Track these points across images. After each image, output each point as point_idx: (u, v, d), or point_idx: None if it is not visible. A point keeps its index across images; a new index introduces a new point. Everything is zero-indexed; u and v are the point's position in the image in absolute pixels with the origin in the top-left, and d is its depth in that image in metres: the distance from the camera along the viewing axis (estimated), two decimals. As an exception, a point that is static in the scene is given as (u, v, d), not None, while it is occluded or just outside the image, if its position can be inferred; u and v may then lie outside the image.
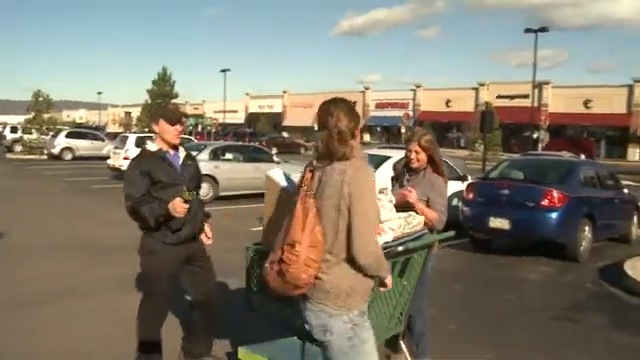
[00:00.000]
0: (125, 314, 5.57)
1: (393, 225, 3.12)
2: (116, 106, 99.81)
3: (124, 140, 20.70)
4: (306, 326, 2.67)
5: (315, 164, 2.50)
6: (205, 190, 13.93)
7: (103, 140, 30.74)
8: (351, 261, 2.52)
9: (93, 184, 17.78)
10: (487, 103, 44.31)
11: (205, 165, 12.26)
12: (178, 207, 3.65)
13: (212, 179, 14.38)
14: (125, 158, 19.12)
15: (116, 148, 20.68)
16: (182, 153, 4.03)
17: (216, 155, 15.39)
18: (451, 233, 4.07)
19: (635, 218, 10.87)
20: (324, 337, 2.60)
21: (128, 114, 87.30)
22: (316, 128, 2.60)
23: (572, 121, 48.60)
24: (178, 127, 3.90)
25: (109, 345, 4.84)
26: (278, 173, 3.16)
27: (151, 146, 3.94)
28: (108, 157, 21.35)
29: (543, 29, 33.71)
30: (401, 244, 3.12)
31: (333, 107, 2.60)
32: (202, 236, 4.16)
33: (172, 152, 3.97)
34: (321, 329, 2.59)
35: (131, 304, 5.85)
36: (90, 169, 22.87)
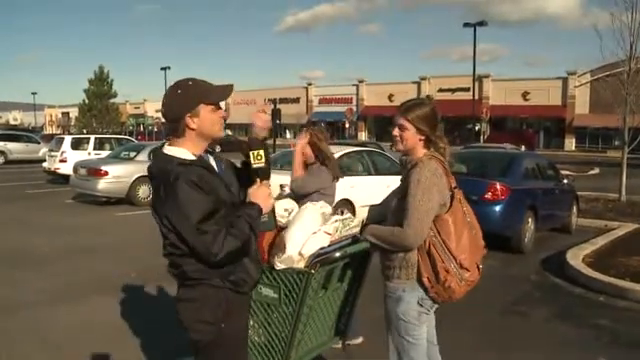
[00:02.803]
0: (56, 332, 5.23)
1: (329, 229, 2.93)
2: (53, 107, 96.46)
3: (60, 142, 19.77)
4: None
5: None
6: (146, 192, 13.55)
7: (38, 142, 29.45)
8: None
9: (26, 189, 16.95)
10: (428, 96, 44.76)
11: (144, 166, 11.81)
12: (266, 196, 2.51)
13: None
14: (62, 161, 18.34)
15: (51, 151, 19.82)
16: (212, 159, 2.55)
17: (155, 155, 14.87)
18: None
19: (574, 208, 11.06)
20: None
21: (66, 114, 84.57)
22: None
23: (512, 113, 49.89)
24: (222, 112, 2.46)
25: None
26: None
27: (181, 152, 2.37)
28: (44, 160, 20.47)
29: (481, 23, 34.09)
30: (338, 249, 2.92)
31: None
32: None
33: (210, 158, 2.53)
34: None
35: (65, 319, 5.51)
36: (24, 173, 21.88)
